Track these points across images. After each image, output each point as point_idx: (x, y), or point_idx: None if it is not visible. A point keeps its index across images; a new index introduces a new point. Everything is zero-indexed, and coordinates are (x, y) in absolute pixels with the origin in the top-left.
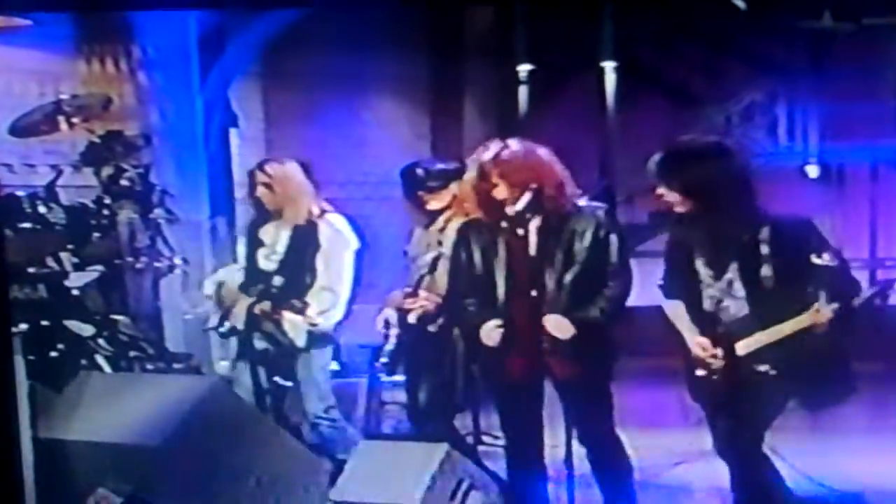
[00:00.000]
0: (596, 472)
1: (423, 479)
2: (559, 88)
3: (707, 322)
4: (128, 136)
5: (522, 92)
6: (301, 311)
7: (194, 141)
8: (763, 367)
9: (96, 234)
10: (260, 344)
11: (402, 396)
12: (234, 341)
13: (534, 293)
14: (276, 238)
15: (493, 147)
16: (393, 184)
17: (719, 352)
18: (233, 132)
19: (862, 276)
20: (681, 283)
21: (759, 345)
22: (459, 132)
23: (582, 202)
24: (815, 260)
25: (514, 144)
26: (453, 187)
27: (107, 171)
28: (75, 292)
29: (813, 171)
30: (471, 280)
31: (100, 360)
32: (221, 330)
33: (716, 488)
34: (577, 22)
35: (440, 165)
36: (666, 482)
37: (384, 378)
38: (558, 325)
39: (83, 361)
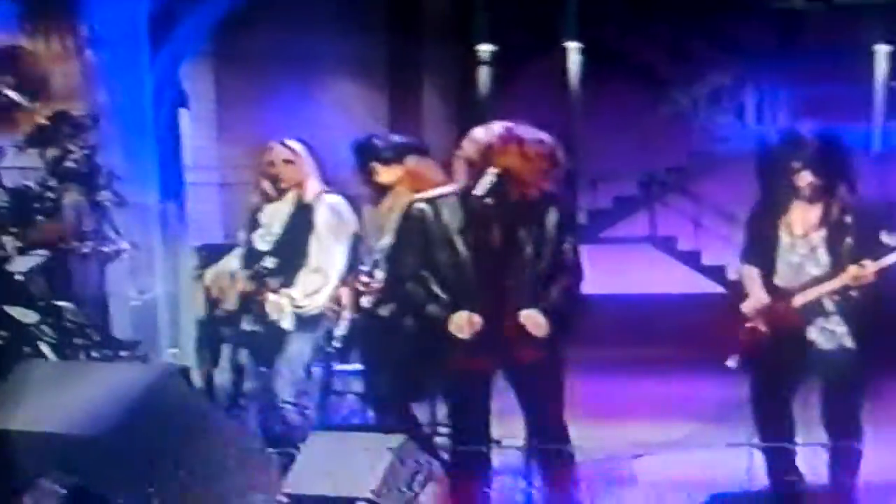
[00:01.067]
0: (543, 461)
1: (377, 470)
2: (521, 69)
3: (772, 287)
4: (74, 116)
5: (483, 73)
6: (275, 291)
7: (143, 122)
8: (817, 324)
9: (41, 218)
10: (248, 326)
11: (356, 385)
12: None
13: (503, 283)
14: (274, 219)
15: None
16: (349, 167)
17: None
18: (183, 113)
19: None
20: (761, 252)
21: (811, 297)
22: (418, 114)
23: (552, 188)
24: (884, 238)
25: (524, 129)
26: (408, 161)
27: (52, 152)
28: (19, 277)
29: None
30: (428, 265)
31: (44, 347)
32: (216, 314)
33: (677, 480)
34: (540, 1)
35: (396, 138)
36: (627, 474)
37: (338, 367)
38: (535, 322)
39: (26, 349)
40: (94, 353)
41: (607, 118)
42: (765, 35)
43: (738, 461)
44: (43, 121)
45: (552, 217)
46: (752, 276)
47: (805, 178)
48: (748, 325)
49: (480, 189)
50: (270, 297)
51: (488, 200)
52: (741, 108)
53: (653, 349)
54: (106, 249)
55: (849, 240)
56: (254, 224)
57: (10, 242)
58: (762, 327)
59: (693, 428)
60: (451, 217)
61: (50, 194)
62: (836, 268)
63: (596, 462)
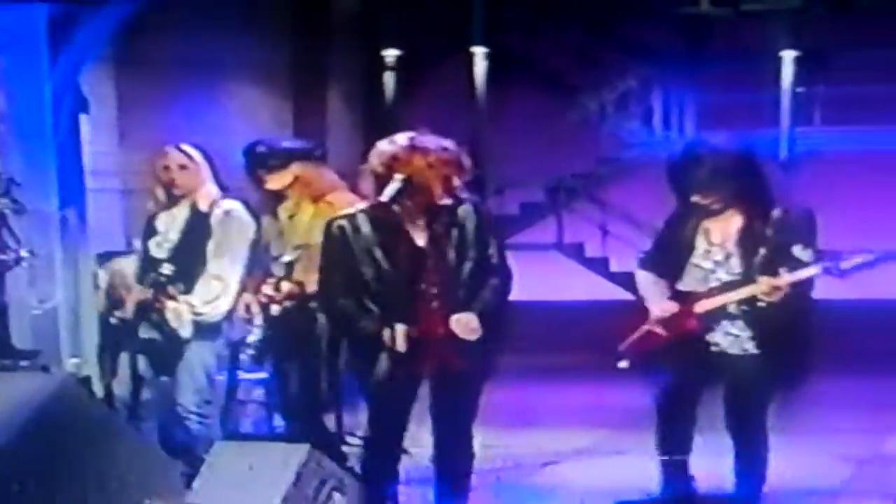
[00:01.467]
0: (449, 470)
1: (283, 481)
2: (427, 74)
3: (677, 291)
4: None
5: (389, 78)
6: (173, 298)
7: (43, 127)
8: (720, 329)
9: None
10: (146, 334)
11: (260, 394)
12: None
13: (429, 289)
14: (171, 225)
15: (403, 141)
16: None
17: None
18: (83, 119)
19: None
20: (668, 259)
21: (714, 304)
22: (323, 119)
23: (462, 194)
24: (797, 252)
25: (430, 143)
26: (294, 168)
27: None
28: None
29: None
30: (352, 278)
31: None
32: (112, 321)
33: (589, 488)
34: (447, 5)
35: (284, 143)
36: (537, 482)
37: (242, 375)
38: (467, 325)
39: None
40: None
41: (514, 124)
42: (672, 40)
43: (646, 468)
44: None
45: (470, 220)
46: (651, 282)
47: (707, 198)
48: (645, 328)
49: (386, 195)
50: (169, 304)
51: (395, 207)
52: (649, 114)
53: (561, 356)
54: (4, 257)
55: (763, 250)
56: (150, 231)
57: None
58: (659, 330)
59: (601, 435)
60: (370, 230)
61: None
62: (747, 277)
63: (504, 470)
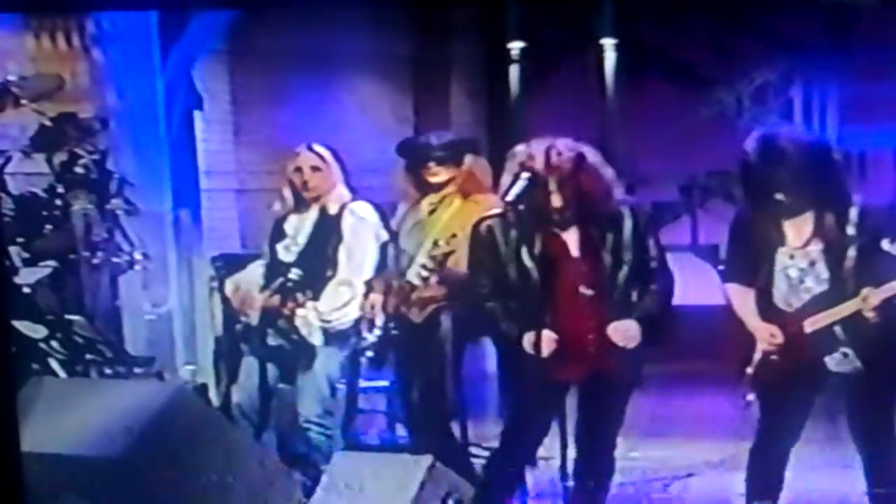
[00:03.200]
0: (582, 481)
1: (405, 494)
2: (554, 68)
3: (771, 306)
4: (82, 118)
5: (514, 71)
6: (302, 305)
7: (155, 125)
8: (834, 348)
9: (49, 227)
10: (272, 341)
11: (381, 403)
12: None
13: (585, 297)
14: (299, 229)
15: (541, 149)
16: (373, 172)
17: (781, 335)
18: (197, 115)
19: None
20: (752, 265)
21: (824, 323)
22: (446, 115)
23: (618, 195)
24: (885, 246)
25: (564, 149)
26: (468, 160)
27: (60, 157)
28: (26, 290)
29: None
30: (498, 280)
31: (53, 364)
32: (237, 328)
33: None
34: None
35: (454, 136)
36: (668, 496)
37: (363, 383)
38: (626, 332)
39: (35, 366)
40: (106, 370)
41: (645, 118)
42: (813, 30)
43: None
44: (47, 122)
45: (627, 223)
46: (743, 295)
47: (782, 197)
48: (763, 354)
49: (512, 194)
50: (299, 311)
51: (521, 206)
52: (788, 108)
53: (694, 364)
54: (117, 260)
55: (851, 252)
56: (279, 234)
57: (16, 253)
58: (776, 357)
59: (733, 448)
60: (519, 232)
61: (58, 202)
62: (838, 283)
63: (635, 483)
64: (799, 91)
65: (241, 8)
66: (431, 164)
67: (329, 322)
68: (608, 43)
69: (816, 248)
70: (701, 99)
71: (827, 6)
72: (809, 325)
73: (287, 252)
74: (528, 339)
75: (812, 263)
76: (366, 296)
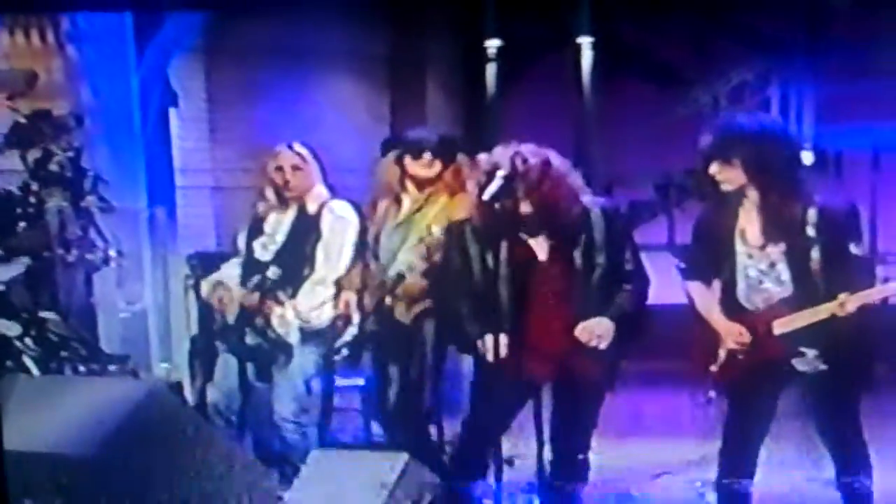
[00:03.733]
0: (557, 480)
1: (380, 491)
2: (531, 66)
3: (736, 305)
4: (57, 115)
5: (490, 70)
6: (281, 303)
7: (130, 122)
8: (801, 349)
9: (23, 224)
10: (249, 339)
11: (356, 401)
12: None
13: (553, 301)
14: (277, 226)
15: (506, 157)
16: (350, 170)
17: (748, 335)
18: (172, 113)
19: None
20: (712, 264)
21: (795, 326)
22: (422, 114)
23: (587, 198)
24: (852, 248)
25: (529, 155)
26: (460, 157)
27: (34, 154)
28: (0, 287)
29: (808, 157)
30: (464, 282)
31: (27, 361)
32: (213, 326)
33: (700, 500)
34: None
35: (450, 134)
36: (647, 493)
37: (339, 381)
38: (593, 332)
39: (8, 363)
40: (80, 368)
41: (622, 118)
42: (790, 30)
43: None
44: (21, 119)
45: (598, 225)
46: (705, 293)
47: (724, 170)
48: (727, 352)
49: (488, 193)
50: (276, 309)
51: (497, 206)
52: (765, 107)
53: (672, 362)
54: (92, 257)
55: (816, 254)
56: (256, 232)
57: None
58: (742, 357)
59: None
60: (486, 236)
61: (32, 199)
62: (804, 286)
63: (611, 482)
64: (776, 91)
65: (216, 9)
66: (427, 154)
67: (307, 321)
68: (585, 41)
69: (777, 249)
70: (678, 98)
71: (804, 5)
72: (779, 327)
73: (264, 250)
74: (482, 343)
75: (772, 265)
76: (338, 293)
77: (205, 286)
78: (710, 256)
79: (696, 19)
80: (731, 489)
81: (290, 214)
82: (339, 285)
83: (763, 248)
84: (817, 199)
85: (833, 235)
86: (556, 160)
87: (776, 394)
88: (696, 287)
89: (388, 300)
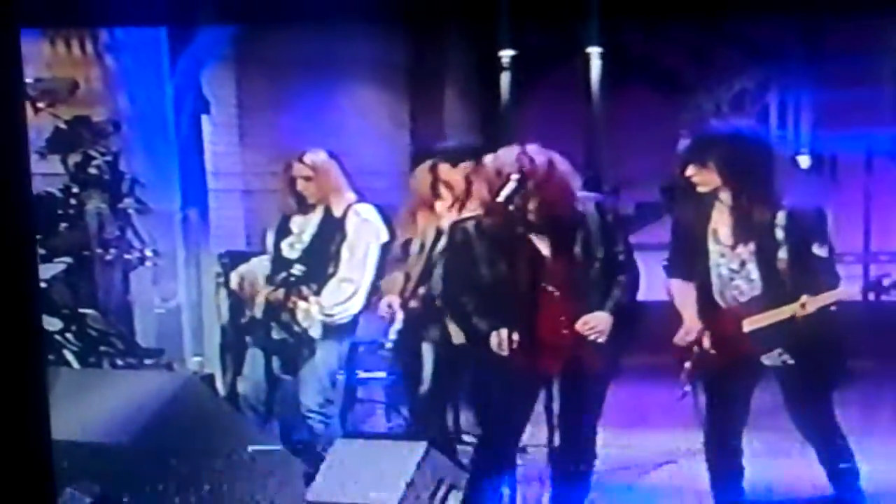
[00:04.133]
0: (566, 468)
1: (401, 479)
2: (543, 75)
3: (711, 302)
4: (95, 122)
5: (504, 78)
6: (305, 299)
7: (165, 128)
8: (767, 347)
9: (63, 225)
10: (275, 333)
11: (379, 394)
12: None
13: (557, 295)
14: (304, 227)
15: (511, 157)
16: (370, 174)
17: (721, 332)
18: (205, 119)
19: (855, 271)
20: (689, 262)
21: (762, 324)
22: (440, 119)
23: (582, 195)
24: (815, 250)
25: (535, 154)
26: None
27: (74, 158)
28: (42, 285)
29: (805, 161)
30: (472, 279)
31: (67, 355)
32: (242, 321)
33: (702, 489)
34: (562, 6)
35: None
36: (651, 482)
37: (362, 374)
38: (595, 326)
39: (50, 357)
40: (118, 361)
41: (629, 123)
42: (789, 39)
43: (760, 469)
44: (62, 125)
45: (593, 220)
46: (683, 290)
47: (698, 172)
48: (699, 349)
49: (503, 196)
50: (301, 304)
51: (511, 207)
52: (765, 113)
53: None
54: (129, 257)
55: (783, 255)
56: (283, 231)
57: None
58: (713, 352)
59: None
60: (491, 234)
61: (72, 201)
62: (772, 285)
63: (619, 470)
64: (775, 98)
65: (245, 23)
66: (465, 163)
67: (331, 316)
68: (594, 51)
69: (747, 249)
70: (682, 105)
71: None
72: (748, 325)
73: (291, 249)
74: (494, 338)
75: (742, 264)
76: (376, 296)
77: (234, 277)
78: (686, 255)
79: (700, 30)
80: (723, 476)
81: (317, 216)
82: (382, 289)
83: (734, 247)
84: (786, 202)
85: (800, 237)
86: (558, 159)
87: (749, 388)
88: (676, 284)
89: (437, 302)
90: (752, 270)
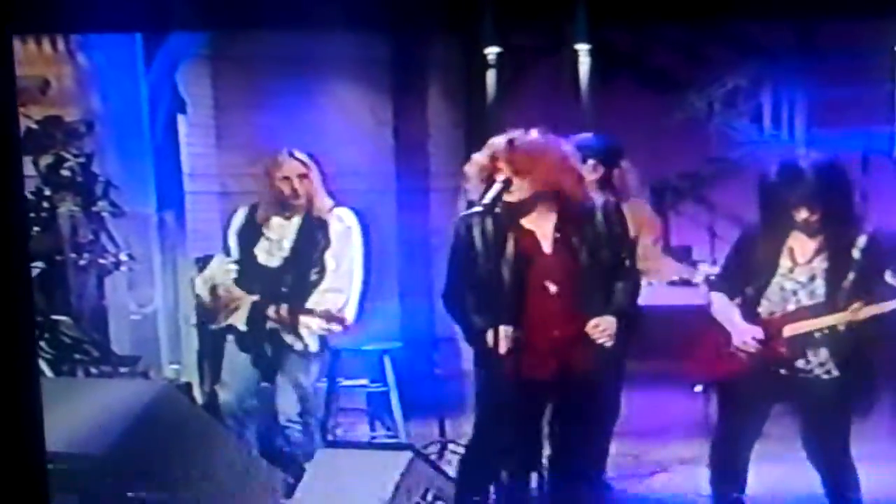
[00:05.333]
0: (574, 479)
1: (385, 489)
2: (529, 72)
3: (752, 311)
4: (68, 122)
5: (490, 76)
6: (302, 312)
7: (139, 128)
8: (809, 355)
9: (35, 229)
10: (256, 343)
11: (361, 402)
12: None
13: (554, 293)
14: (283, 233)
15: (501, 145)
16: (354, 175)
17: (761, 336)
18: (180, 119)
19: None
20: (745, 278)
21: (805, 329)
22: (423, 118)
23: (591, 192)
24: (888, 278)
25: (522, 142)
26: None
27: (46, 159)
28: None
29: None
30: (471, 277)
31: (41, 363)
32: (214, 327)
33: (692, 499)
34: (549, 1)
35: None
36: (642, 491)
37: (343, 382)
38: (605, 330)
39: None
40: (92, 369)
41: (618, 122)
42: (782, 36)
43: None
44: (33, 125)
45: (600, 221)
46: (727, 305)
47: (802, 214)
48: (729, 350)
49: (487, 198)
50: (302, 319)
51: (497, 209)
52: (758, 112)
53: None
54: (103, 261)
55: (852, 275)
56: (255, 236)
57: None
58: (745, 355)
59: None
60: (492, 230)
61: (44, 204)
62: (832, 300)
63: (612, 478)
64: (768, 95)
65: (219, 29)
66: (591, 161)
67: (331, 331)
68: (582, 48)
69: (821, 265)
70: (673, 103)
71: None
72: (789, 331)
73: (270, 256)
74: (490, 336)
75: (812, 278)
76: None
77: (200, 282)
78: (745, 270)
79: (690, 26)
80: (725, 483)
81: (296, 221)
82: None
83: (808, 263)
84: (868, 227)
85: (874, 261)
86: (557, 144)
87: (773, 395)
88: (718, 297)
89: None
90: (820, 286)
